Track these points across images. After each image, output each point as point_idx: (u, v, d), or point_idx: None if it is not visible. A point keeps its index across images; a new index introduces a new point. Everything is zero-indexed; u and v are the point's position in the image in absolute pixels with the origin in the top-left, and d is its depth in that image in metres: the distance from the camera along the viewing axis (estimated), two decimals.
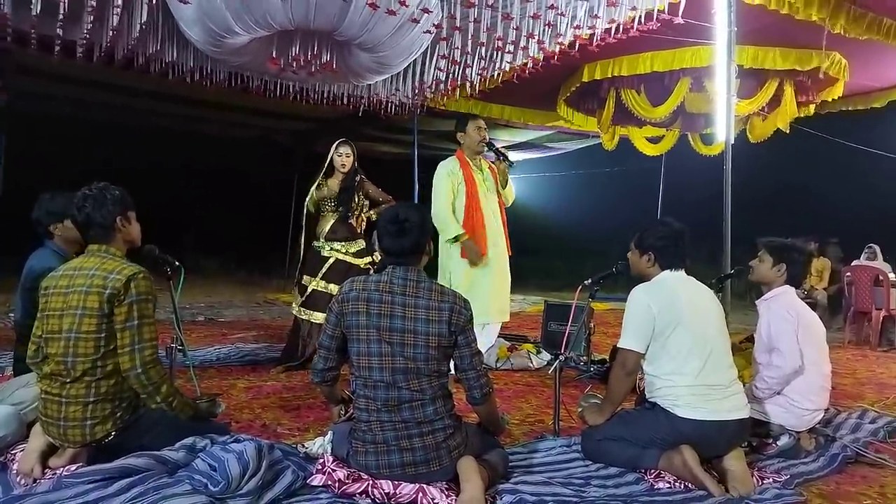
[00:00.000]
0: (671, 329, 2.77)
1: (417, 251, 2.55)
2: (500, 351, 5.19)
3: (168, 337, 3.37)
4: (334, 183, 4.79)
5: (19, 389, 2.95)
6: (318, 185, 4.79)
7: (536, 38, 4.79)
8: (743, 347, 4.46)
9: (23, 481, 2.44)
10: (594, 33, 4.73)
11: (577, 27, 4.64)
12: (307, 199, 4.84)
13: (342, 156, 4.76)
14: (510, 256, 4.79)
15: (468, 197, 4.59)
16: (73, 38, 5.10)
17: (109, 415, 2.51)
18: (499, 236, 4.71)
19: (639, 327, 2.82)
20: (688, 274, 2.98)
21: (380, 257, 4.80)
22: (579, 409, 3.12)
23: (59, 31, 4.76)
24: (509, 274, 4.82)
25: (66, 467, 2.46)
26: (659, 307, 2.79)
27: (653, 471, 2.77)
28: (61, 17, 4.39)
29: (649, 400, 2.89)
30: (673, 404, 2.75)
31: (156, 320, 2.60)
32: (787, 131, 7.58)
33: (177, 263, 3.28)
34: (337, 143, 4.80)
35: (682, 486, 2.67)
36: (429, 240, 2.61)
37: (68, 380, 2.48)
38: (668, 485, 2.69)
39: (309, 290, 4.72)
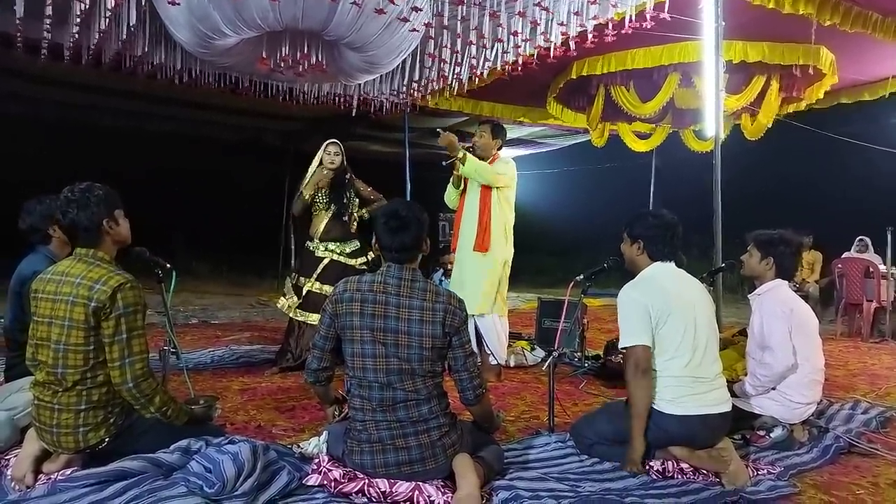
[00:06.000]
0: (663, 322, 2.77)
1: (417, 247, 2.55)
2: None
3: (161, 340, 3.35)
4: (323, 179, 4.77)
5: (12, 395, 2.93)
6: (308, 182, 4.79)
7: (523, 35, 4.79)
8: (736, 341, 4.48)
9: (17, 487, 2.44)
10: (583, 30, 4.72)
11: (563, 24, 4.64)
12: (296, 197, 4.84)
13: (330, 154, 4.79)
14: (484, 253, 4.63)
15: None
16: (60, 40, 5.07)
17: (102, 421, 2.49)
18: (467, 235, 4.72)
19: (638, 321, 2.79)
20: (679, 267, 2.96)
21: (373, 256, 4.80)
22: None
23: (46, 34, 4.73)
24: (472, 268, 4.66)
25: (61, 472, 2.45)
26: (651, 301, 2.78)
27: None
28: (48, 19, 4.36)
29: None
30: (659, 398, 2.76)
31: (145, 330, 2.53)
32: (770, 125, 7.58)
33: (168, 266, 3.25)
34: (326, 143, 4.84)
35: (679, 478, 2.69)
36: (426, 235, 2.60)
37: (60, 389, 2.45)
38: (662, 465, 2.73)
39: (304, 291, 4.71)
